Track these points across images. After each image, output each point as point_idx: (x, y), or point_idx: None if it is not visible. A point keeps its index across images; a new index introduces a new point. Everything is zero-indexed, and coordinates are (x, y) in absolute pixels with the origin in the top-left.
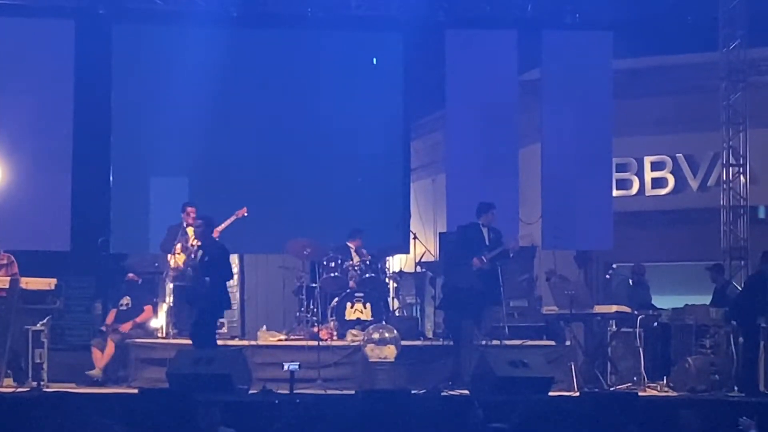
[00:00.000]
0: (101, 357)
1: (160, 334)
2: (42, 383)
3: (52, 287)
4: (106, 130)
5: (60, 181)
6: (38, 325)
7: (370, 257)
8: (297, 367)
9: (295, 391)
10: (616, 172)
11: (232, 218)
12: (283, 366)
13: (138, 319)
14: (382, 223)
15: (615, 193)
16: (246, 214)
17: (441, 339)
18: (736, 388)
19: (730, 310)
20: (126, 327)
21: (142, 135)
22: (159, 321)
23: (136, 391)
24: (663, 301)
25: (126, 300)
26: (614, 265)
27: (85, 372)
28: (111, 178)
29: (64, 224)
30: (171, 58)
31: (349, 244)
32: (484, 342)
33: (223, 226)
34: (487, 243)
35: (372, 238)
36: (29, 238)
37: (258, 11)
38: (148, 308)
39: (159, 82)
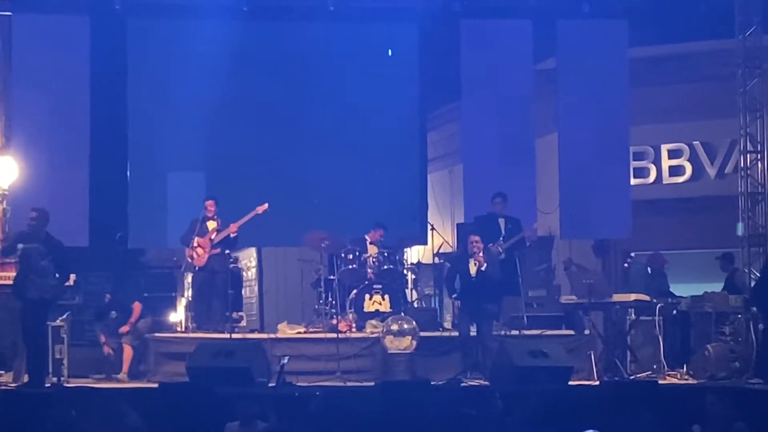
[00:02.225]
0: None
1: (179, 328)
2: (62, 379)
3: (71, 283)
4: (123, 125)
5: (77, 176)
6: (58, 320)
7: (386, 251)
8: (286, 360)
9: (315, 383)
10: (634, 160)
11: (252, 214)
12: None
13: (132, 320)
14: (400, 215)
15: (632, 181)
16: (266, 210)
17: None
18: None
19: (750, 297)
20: (124, 330)
21: (158, 130)
22: (178, 315)
23: (156, 385)
24: (682, 289)
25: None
26: (632, 254)
27: (112, 375)
28: (128, 173)
29: (82, 220)
30: (186, 53)
31: (366, 236)
32: (503, 332)
33: (242, 221)
34: (503, 233)
35: (390, 230)
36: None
37: (271, 4)
38: (136, 305)
39: (174, 76)
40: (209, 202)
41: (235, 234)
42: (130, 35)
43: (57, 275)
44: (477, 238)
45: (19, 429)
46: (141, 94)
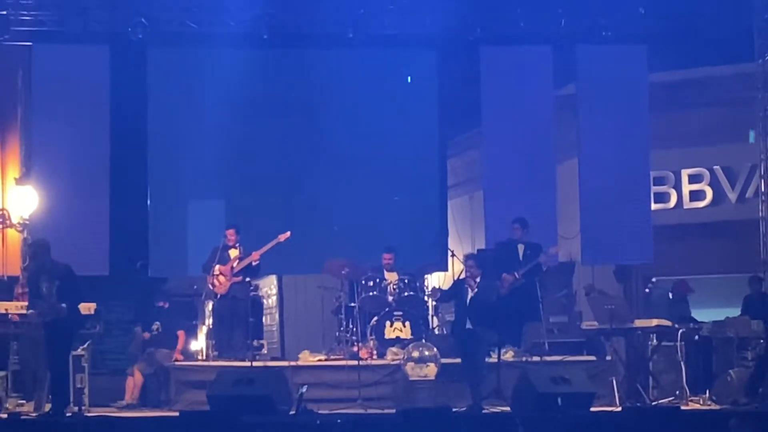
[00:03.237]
0: (132, 387)
1: (200, 356)
2: (83, 408)
3: (92, 312)
4: (143, 153)
5: (98, 205)
6: (79, 349)
7: (407, 277)
8: (305, 389)
9: (336, 411)
10: (654, 185)
11: (274, 242)
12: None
13: (179, 347)
14: (420, 242)
15: (653, 206)
16: (288, 238)
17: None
18: None
19: None
20: (164, 356)
21: (178, 158)
22: (199, 343)
23: (177, 414)
24: (703, 314)
25: (156, 325)
26: (654, 279)
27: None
28: (148, 202)
29: (102, 249)
30: (206, 81)
31: (384, 262)
32: (524, 358)
33: (264, 249)
34: (520, 258)
35: (410, 257)
36: (68, 263)
37: (290, 31)
38: (180, 333)
39: (194, 104)
40: (230, 231)
41: (257, 262)
42: (150, 64)
43: (64, 302)
44: (471, 263)
45: None
46: (161, 122)
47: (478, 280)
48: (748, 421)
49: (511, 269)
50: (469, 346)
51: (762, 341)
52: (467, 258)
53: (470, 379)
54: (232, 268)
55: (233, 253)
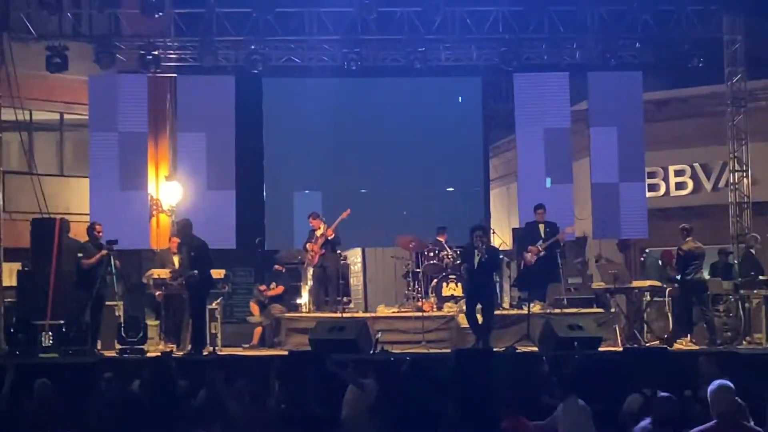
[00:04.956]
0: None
1: (304, 309)
2: (216, 348)
3: (222, 276)
4: (260, 157)
5: (226, 196)
6: (213, 304)
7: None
8: (379, 335)
9: (405, 351)
10: (648, 178)
11: (339, 219)
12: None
13: (271, 293)
14: (468, 223)
15: (647, 194)
16: (349, 215)
17: (515, 309)
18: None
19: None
20: (277, 309)
21: (286, 160)
22: (303, 299)
23: (286, 353)
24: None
25: (273, 285)
26: (647, 250)
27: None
28: (264, 193)
29: (230, 228)
30: (306, 102)
31: (438, 238)
32: (548, 310)
33: (334, 225)
34: (542, 235)
35: (461, 234)
36: (205, 240)
37: (373, 65)
38: (280, 287)
39: (297, 120)
40: (311, 218)
41: (332, 236)
42: (266, 90)
43: (196, 269)
44: (479, 233)
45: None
46: (273, 133)
47: (484, 247)
48: (713, 356)
49: (535, 243)
50: (471, 298)
51: (731, 297)
52: (474, 229)
53: (471, 317)
54: (316, 243)
55: (318, 232)
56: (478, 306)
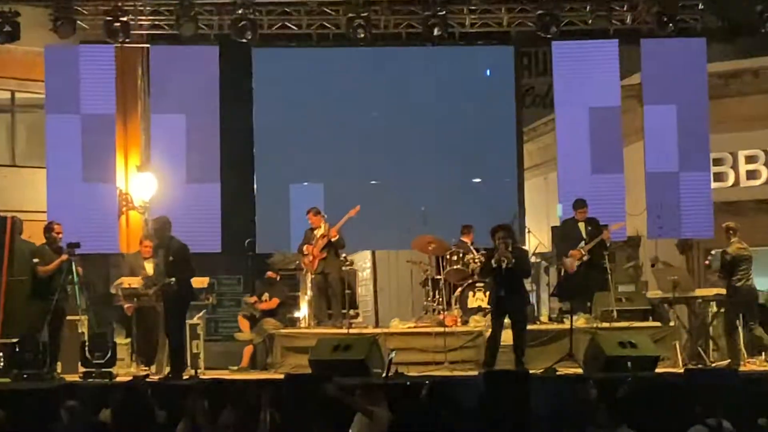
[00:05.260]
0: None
1: (302, 325)
2: (198, 371)
3: (206, 285)
4: (249, 142)
5: (210, 189)
6: (194, 318)
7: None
8: (393, 354)
9: (425, 373)
10: (714, 165)
11: (346, 217)
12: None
13: (264, 306)
14: (498, 220)
15: (712, 185)
16: (359, 212)
17: (555, 322)
18: None
19: None
20: (271, 324)
21: (281, 145)
22: (301, 312)
23: (281, 376)
24: (759, 284)
25: (266, 296)
26: (713, 251)
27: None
28: (255, 186)
29: (214, 228)
30: (304, 76)
31: (463, 239)
32: (595, 325)
33: (338, 225)
34: (584, 236)
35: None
36: (184, 242)
37: (381, 32)
38: (274, 300)
39: (294, 97)
40: (309, 214)
41: (337, 237)
42: (256, 62)
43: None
44: (502, 234)
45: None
46: (265, 114)
47: (510, 249)
48: None
49: (576, 246)
50: (498, 308)
51: None
52: (494, 230)
53: (493, 338)
54: (316, 245)
55: (318, 232)
56: (506, 321)
